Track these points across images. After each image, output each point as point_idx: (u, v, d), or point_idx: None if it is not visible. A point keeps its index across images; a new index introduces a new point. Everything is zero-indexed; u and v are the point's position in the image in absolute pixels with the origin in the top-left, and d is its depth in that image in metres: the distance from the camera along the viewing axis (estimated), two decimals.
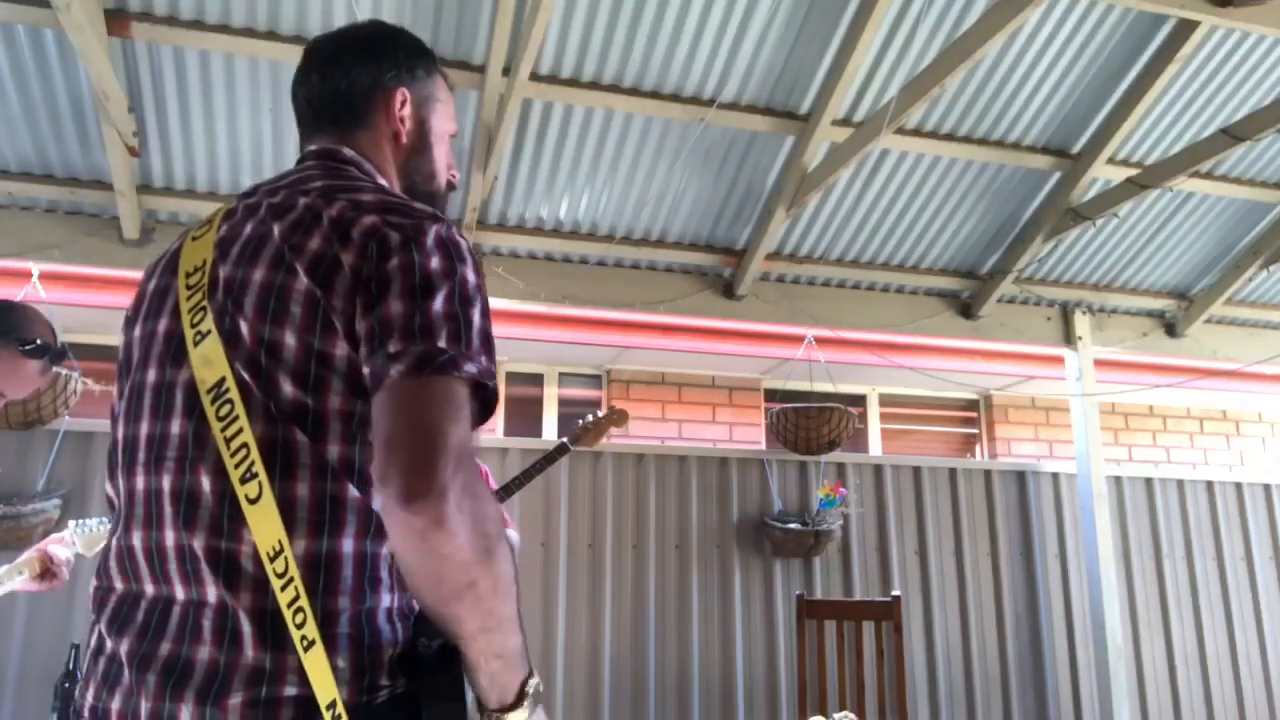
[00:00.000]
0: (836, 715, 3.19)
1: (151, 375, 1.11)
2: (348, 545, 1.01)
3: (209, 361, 1.04)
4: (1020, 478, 4.96)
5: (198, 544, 1.01)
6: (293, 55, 3.20)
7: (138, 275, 4.32)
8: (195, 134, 3.48)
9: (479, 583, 0.96)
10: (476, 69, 3.39)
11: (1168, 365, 5.31)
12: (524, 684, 1.03)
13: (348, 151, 1.24)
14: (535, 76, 3.39)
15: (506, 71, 3.34)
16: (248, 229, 1.11)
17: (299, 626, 0.96)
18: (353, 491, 1.02)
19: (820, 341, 4.59)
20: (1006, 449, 5.98)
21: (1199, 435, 6.50)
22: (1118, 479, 5.08)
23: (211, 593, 1.00)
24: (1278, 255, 4.64)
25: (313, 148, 1.27)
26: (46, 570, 2.18)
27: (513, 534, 3.50)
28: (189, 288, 1.11)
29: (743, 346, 4.94)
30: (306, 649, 0.95)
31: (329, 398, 1.02)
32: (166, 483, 1.05)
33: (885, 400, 5.96)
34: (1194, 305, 4.93)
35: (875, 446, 5.84)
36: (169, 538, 1.03)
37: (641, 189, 3.94)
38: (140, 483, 1.08)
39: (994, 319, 4.69)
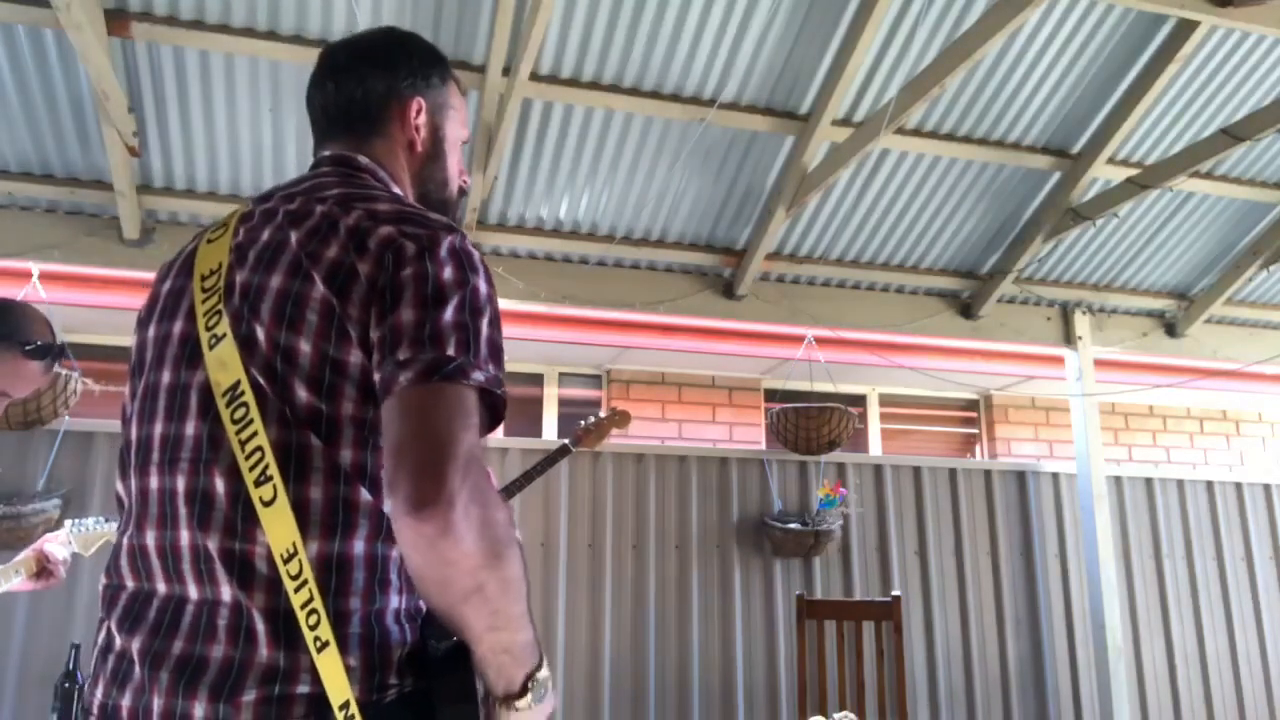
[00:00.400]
0: (836, 715, 3.19)
1: (166, 377, 1.12)
2: (359, 547, 1.03)
3: (224, 365, 1.06)
4: (1020, 478, 4.96)
5: (213, 545, 1.02)
6: (292, 55, 3.21)
7: (138, 275, 4.30)
8: (195, 134, 3.48)
9: (486, 586, 0.98)
10: (476, 69, 3.39)
11: (1168, 365, 5.31)
12: (530, 675, 1.05)
13: (362, 159, 1.25)
14: (535, 76, 3.39)
15: (506, 71, 3.34)
16: (265, 235, 1.12)
17: (313, 628, 0.97)
18: (365, 495, 1.04)
19: (820, 341, 4.59)
20: (1006, 449, 5.98)
21: (1199, 435, 6.50)
22: (1118, 479, 5.08)
23: (226, 592, 1.01)
24: (1278, 255, 4.64)
25: (327, 153, 1.27)
26: (43, 569, 2.18)
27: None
28: (204, 290, 1.12)
29: (743, 346, 4.93)
30: (320, 650, 0.97)
31: (342, 404, 1.04)
32: (181, 483, 1.06)
33: (885, 400, 5.96)
34: (1194, 305, 4.93)
35: (875, 446, 5.84)
36: (183, 537, 1.05)
37: (641, 189, 3.94)
38: (154, 483, 1.09)
39: (994, 319, 4.69)
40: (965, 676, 4.61)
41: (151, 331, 1.18)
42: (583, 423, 3.55)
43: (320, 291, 1.04)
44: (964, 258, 4.55)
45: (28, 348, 1.81)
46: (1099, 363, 4.86)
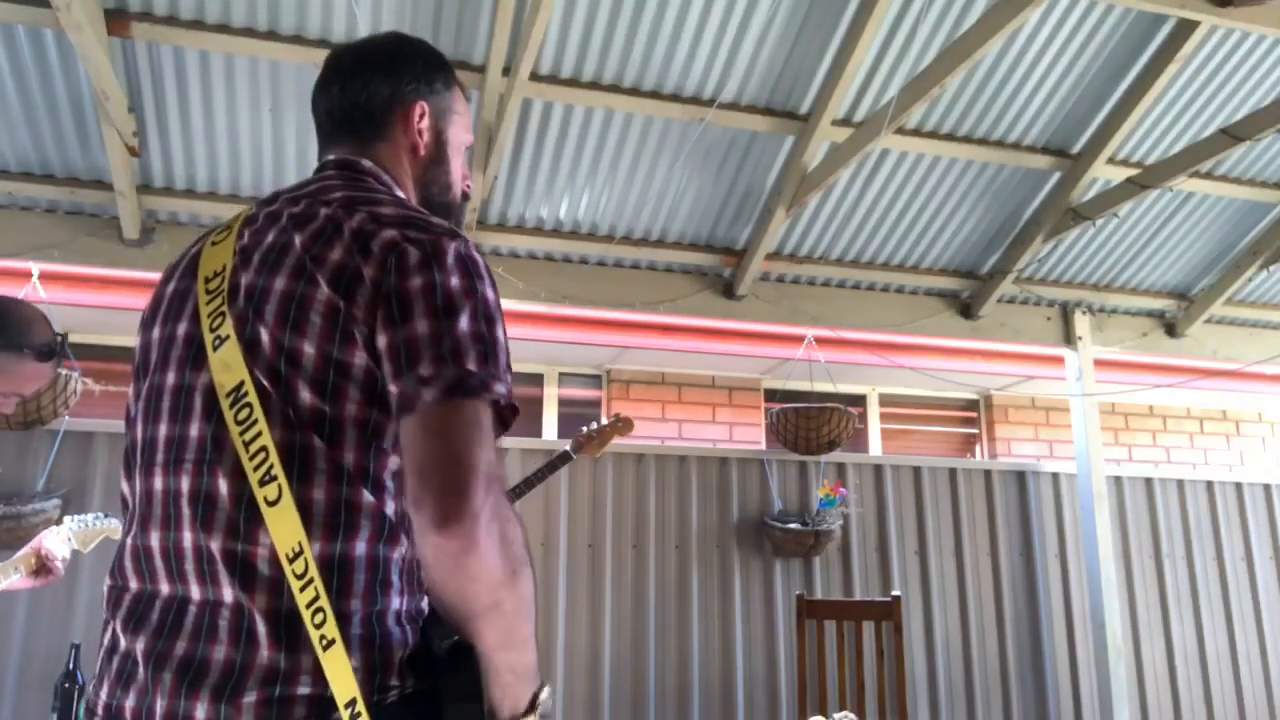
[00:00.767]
0: (836, 715, 3.20)
1: (170, 378, 1.13)
2: (361, 549, 1.03)
3: (228, 366, 1.06)
4: (1020, 478, 4.97)
5: (215, 545, 1.03)
6: (292, 55, 3.21)
7: (138, 275, 4.30)
8: (195, 134, 3.48)
9: (504, 603, 1.00)
10: (476, 69, 3.39)
11: (1168, 365, 5.31)
12: (535, 696, 1.06)
13: (366, 163, 1.26)
14: (535, 76, 3.39)
15: (506, 71, 3.34)
16: (269, 237, 1.12)
17: (318, 626, 0.98)
18: (367, 496, 1.05)
19: (820, 341, 4.59)
20: (1006, 449, 5.98)
21: (1199, 435, 6.50)
22: (1118, 479, 5.08)
23: (228, 593, 1.02)
24: (1278, 255, 4.64)
25: (331, 157, 1.28)
26: (42, 566, 2.18)
27: None
28: (209, 292, 1.13)
29: (743, 346, 4.93)
30: (326, 648, 0.98)
31: (346, 406, 1.04)
32: (185, 484, 1.06)
33: (885, 400, 5.96)
34: (1194, 305, 4.93)
35: (875, 446, 5.84)
36: (186, 538, 1.05)
37: (641, 189, 3.94)
38: (158, 483, 1.10)
39: (994, 319, 4.70)
40: (965, 676, 4.61)
41: (155, 333, 1.19)
42: (585, 429, 3.53)
43: (325, 294, 1.05)
44: (964, 258, 4.55)
45: (41, 350, 1.81)
46: (1099, 363, 4.86)
